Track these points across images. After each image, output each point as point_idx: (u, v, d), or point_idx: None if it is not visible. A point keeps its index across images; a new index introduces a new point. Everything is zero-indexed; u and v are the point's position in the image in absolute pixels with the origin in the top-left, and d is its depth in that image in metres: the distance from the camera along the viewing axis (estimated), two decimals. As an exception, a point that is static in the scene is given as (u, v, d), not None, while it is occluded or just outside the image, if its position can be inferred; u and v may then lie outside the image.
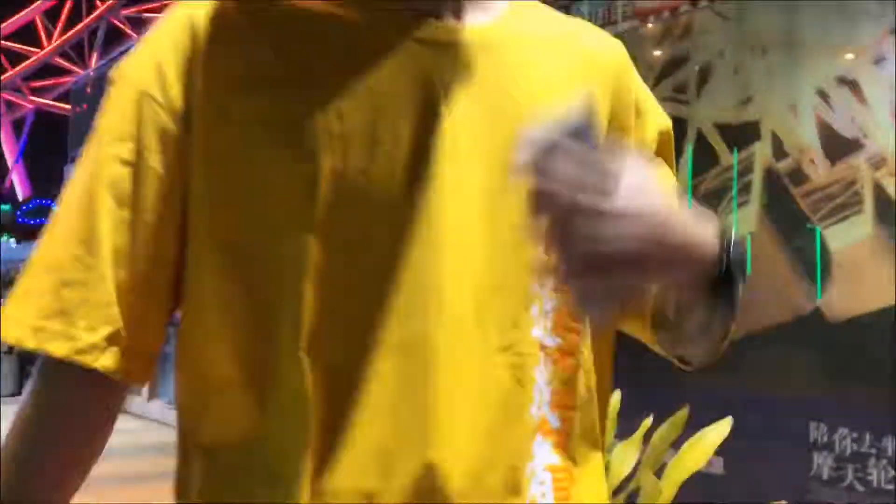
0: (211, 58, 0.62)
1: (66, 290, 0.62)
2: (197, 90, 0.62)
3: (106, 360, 0.62)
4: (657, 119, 0.75)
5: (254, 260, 0.61)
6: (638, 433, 2.17)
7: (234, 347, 0.60)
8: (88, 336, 0.61)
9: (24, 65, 31.47)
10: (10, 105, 32.32)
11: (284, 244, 0.60)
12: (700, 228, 0.56)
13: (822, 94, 3.29)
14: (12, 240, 20.74)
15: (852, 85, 3.21)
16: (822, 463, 3.18)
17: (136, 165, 0.63)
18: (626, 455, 2.04)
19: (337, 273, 0.59)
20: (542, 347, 0.64)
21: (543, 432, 0.64)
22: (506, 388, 0.61)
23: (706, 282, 0.58)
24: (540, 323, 0.64)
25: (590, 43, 0.73)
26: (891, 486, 2.98)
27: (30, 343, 0.62)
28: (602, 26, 4.16)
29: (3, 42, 30.19)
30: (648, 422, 2.20)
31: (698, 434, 2.14)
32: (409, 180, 0.60)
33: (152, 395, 8.45)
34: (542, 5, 0.75)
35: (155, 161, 0.63)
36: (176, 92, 0.63)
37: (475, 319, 0.60)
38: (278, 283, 0.59)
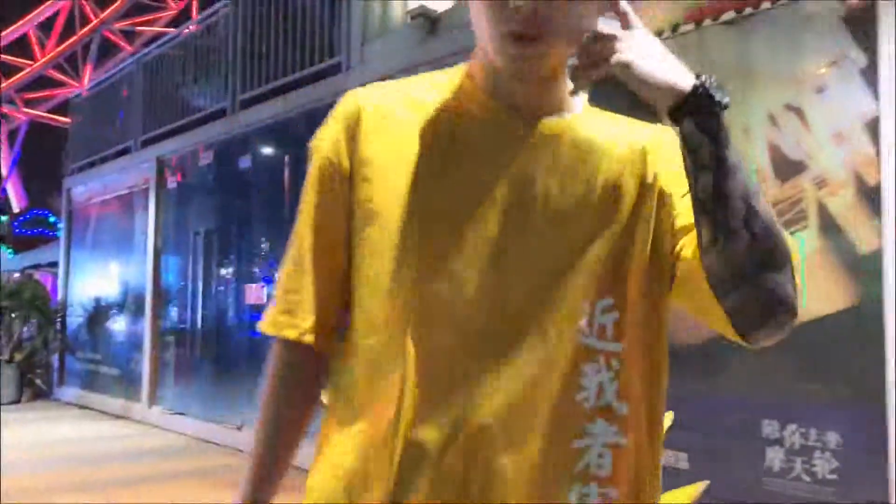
0: (367, 137, 0.88)
1: (290, 295, 0.93)
2: (356, 161, 0.88)
3: (312, 339, 0.92)
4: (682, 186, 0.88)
5: (373, 279, 0.87)
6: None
7: (374, 322, 0.87)
8: (303, 324, 0.92)
9: (17, 77, 31.47)
10: (4, 116, 32.26)
11: (387, 273, 0.85)
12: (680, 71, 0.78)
13: (772, 120, 3.55)
14: (9, 251, 20.74)
15: (798, 112, 3.46)
16: (774, 457, 3.43)
17: (324, 212, 0.91)
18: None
19: (426, 294, 0.83)
20: (595, 351, 0.84)
21: (606, 417, 0.83)
22: (552, 380, 0.82)
23: (686, 108, 0.77)
24: (594, 334, 0.84)
25: (641, 136, 0.92)
26: (834, 477, 3.24)
27: (271, 331, 0.94)
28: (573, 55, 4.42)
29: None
30: None
31: None
32: (498, 233, 0.83)
33: (152, 402, 8.52)
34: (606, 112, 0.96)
35: (334, 209, 0.90)
36: (346, 161, 0.89)
37: (536, 327, 0.82)
38: (382, 294, 0.85)
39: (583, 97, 0.92)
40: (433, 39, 5.40)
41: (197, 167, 8.15)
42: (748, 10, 3.67)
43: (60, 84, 33.83)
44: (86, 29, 32.55)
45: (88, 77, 32.27)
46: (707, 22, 3.83)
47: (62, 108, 34.13)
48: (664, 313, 0.90)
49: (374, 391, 0.85)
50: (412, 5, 5.46)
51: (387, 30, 5.92)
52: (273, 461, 0.98)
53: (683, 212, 0.86)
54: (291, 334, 0.92)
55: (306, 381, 0.96)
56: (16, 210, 27.00)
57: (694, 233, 0.82)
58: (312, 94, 6.46)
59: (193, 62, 8.45)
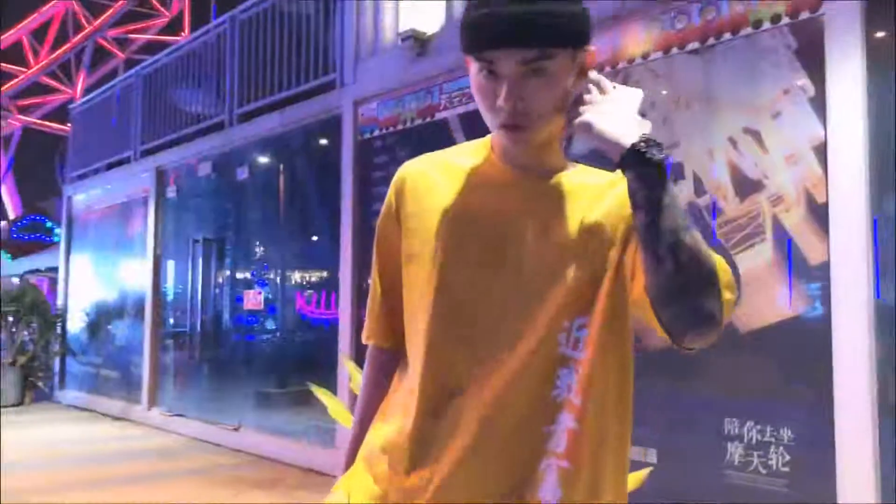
0: (409, 193, 1.18)
1: (369, 315, 1.28)
2: (402, 216, 1.18)
3: (388, 343, 1.27)
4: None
5: (415, 302, 1.14)
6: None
7: (416, 334, 1.14)
8: (373, 333, 1.28)
9: (11, 83, 31.44)
10: (-4, 123, 32.19)
11: (423, 298, 1.12)
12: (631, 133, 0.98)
13: (732, 142, 3.83)
14: (7, 256, 20.76)
15: (755, 135, 3.75)
16: (734, 451, 3.71)
17: (384, 257, 1.23)
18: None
19: (444, 314, 1.10)
20: (566, 360, 1.05)
21: (570, 410, 1.04)
22: (532, 378, 1.05)
23: (631, 161, 0.97)
24: (568, 343, 1.05)
25: (613, 185, 1.12)
26: (787, 469, 3.53)
27: (363, 339, 1.30)
28: None
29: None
30: None
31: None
32: (493, 263, 1.08)
33: (152, 404, 8.67)
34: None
35: (389, 255, 1.21)
36: (395, 218, 1.20)
37: (526, 340, 1.05)
38: (421, 313, 1.12)
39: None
40: (423, 60, 5.68)
41: (195, 177, 8.40)
42: (711, 41, 3.97)
43: (54, 90, 33.85)
44: (79, 36, 32.54)
45: (82, 84, 32.32)
46: (674, 51, 4.13)
47: (55, 115, 34.16)
48: (627, 325, 1.10)
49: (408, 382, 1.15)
50: (403, 27, 5.74)
51: (379, 50, 6.20)
52: (361, 431, 1.25)
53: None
54: (368, 340, 1.29)
55: (381, 369, 1.28)
56: (11, 215, 26.98)
57: None
58: (308, 109, 6.74)
59: (192, 76, 8.69)
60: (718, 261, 1.01)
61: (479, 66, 1.06)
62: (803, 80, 3.61)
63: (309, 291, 6.84)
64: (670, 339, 1.03)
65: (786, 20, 3.69)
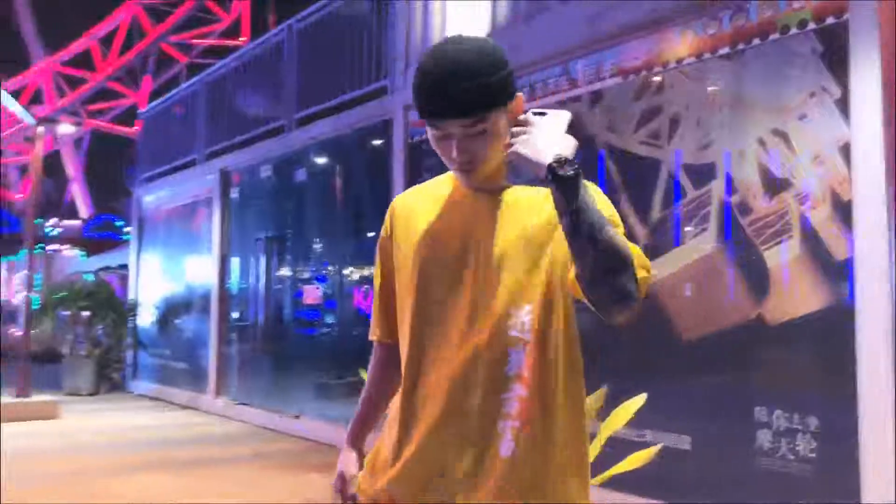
0: (398, 218, 1.48)
1: (373, 313, 1.55)
2: (394, 236, 1.47)
3: (385, 338, 1.53)
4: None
5: (403, 302, 1.43)
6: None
7: (404, 328, 1.43)
8: (374, 331, 1.55)
9: (81, 89, 32.57)
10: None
11: (408, 298, 1.41)
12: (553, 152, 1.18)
13: (762, 143, 4.01)
14: (82, 253, 21.81)
15: (783, 136, 3.92)
16: (763, 438, 3.89)
17: (381, 269, 1.52)
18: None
19: (422, 310, 1.38)
20: (516, 341, 1.31)
21: (520, 382, 1.29)
22: (489, 358, 1.31)
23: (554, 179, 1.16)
24: (516, 328, 1.31)
25: (545, 195, 1.30)
26: (813, 455, 3.70)
27: (369, 337, 1.58)
28: (590, 82, 4.90)
29: (62, 68, 31.52)
30: (594, 399, 2.93)
31: (621, 406, 2.89)
32: (457, 267, 1.36)
33: (218, 393, 9.15)
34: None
35: (386, 267, 1.50)
36: (388, 238, 1.49)
37: (485, 326, 1.32)
38: (406, 310, 1.41)
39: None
40: (469, 65, 5.95)
41: (257, 179, 8.86)
42: (741, 46, 4.15)
43: (121, 95, 35.03)
44: (143, 42, 33.60)
45: (147, 88, 33.41)
46: (706, 55, 4.32)
47: (122, 118, 35.32)
48: (568, 310, 1.34)
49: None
50: (450, 34, 6.02)
51: (428, 56, 6.49)
52: (360, 415, 1.58)
53: None
54: (372, 337, 1.57)
55: (382, 363, 1.57)
56: (84, 215, 28.16)
57: None
58: (360, 114, 7.09)
59: (253, 82, 9.15)
60: (633, 247, 1.21)
61: (432, 129, 1.33)
62: (829, 83, 3.76)
63: (365, 287, 7.13)
64: (601, 315, 1.24)
65: (812, 25, 3.84)
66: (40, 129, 9.08)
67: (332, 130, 7.46)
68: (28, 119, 9.53)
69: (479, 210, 1.39)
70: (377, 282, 1.54)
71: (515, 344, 1.32)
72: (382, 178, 6.73)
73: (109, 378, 11.28)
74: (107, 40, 34.05)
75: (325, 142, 7.71)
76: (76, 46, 34.46)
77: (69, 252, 23.30)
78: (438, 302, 1.37)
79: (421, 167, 6.34)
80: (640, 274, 1.21)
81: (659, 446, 2.92)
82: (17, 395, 8.44)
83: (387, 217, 1.51)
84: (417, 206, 1.47)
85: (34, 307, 10.56)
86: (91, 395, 10.44)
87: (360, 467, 1.51)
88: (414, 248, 1.41)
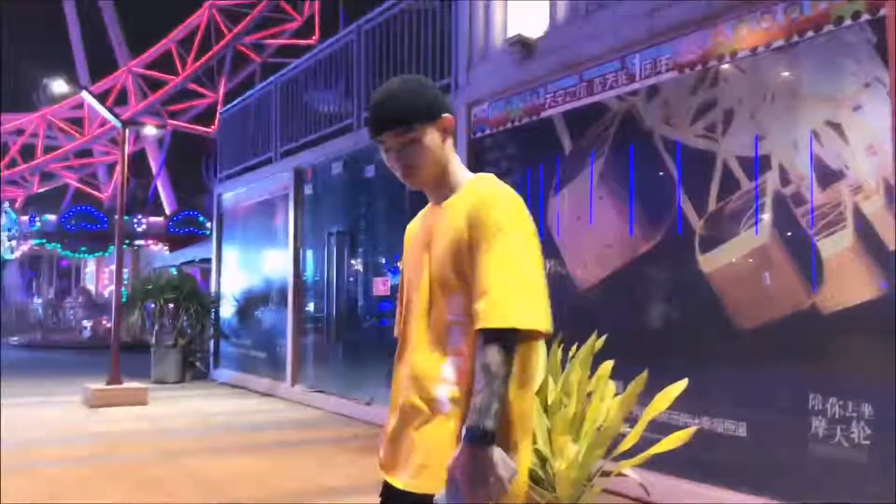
0: (407, 238, 1.86)
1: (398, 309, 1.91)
2: (407, 242, 1.86)
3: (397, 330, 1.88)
4: (479, 229, 1.57)
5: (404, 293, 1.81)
6: (628, 393, 3.07)
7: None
8: (398, 322, 1.85)
9: (162, 90, 33.77)
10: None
11: (407, 291, 1.78)
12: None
13: (816, 134, 4.06)
14: (166, 247, 22.83)
15: (837, 127, 3.97)
16: (818, 425, 3.96)
17: (402, 269, 1.88)
18: (619, 406, 2.99)
19: (404, 300, 1.77)
20: (454, 323, 1.59)
21: (455, 353, 1.58)
22: (434, 335, 1.62)
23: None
24: (454, 311, 1.59)
25: (469, 200, 1.62)
26: (867, 442, 3.75)
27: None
28: (648, 77, 5.01)
29: (144, 71, 32.86)
30: (636, 384, 3.10)
31: (664, 390, 3.04)
32: (420, 266, 1.69)
33: (295, 381, 9.57)
34: (480, 177, 1.70)
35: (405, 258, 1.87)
36: (404, 248, 1.87)
37: (428, 312, 1.65)
38: (405, 299, 1.78)
39: (467, 180, 1.71)
40: (528, 62, 6.12)
41: (329, 175, 9.22)
42: (795, 39, 4.20)
43: (200, 95, 36.22)
44: (220, 43, 34.64)
45: (223, 88, 34.50)
46: (760, 49, 4.38)
47: (201, 118, 36.49)
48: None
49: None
50: (510, 33, 6.21)
51: (489, 54, 6.69)
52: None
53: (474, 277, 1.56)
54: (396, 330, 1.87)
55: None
56: (168, 212, 29.38)
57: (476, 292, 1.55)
58: (426, 111, 7.32)
59: (324, 82, 9.50)
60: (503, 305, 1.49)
61: (379, 147, 1.69)
62: (883, 73, 3.79)
63: None
64: None
65: (865, 16, 3.87)
66: (126, 131, 9.54)
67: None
68: (114, 121, 10.01)
69: (433, 216, 1.73)
70: (401, 284, 1.87)
71: (455, 324, 1.59)
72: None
73: (193, 367, 11.87)
74: (185, 43, 35.20)
75: (392, 139, 7.96)
76: (156, 50, 35.75)
77: (155, 247, 24.47)
78: (411, 295, 1.72)
79: (484, 161, 6.55)
80: (494, 324, 1.48)
81: (695, 428, 3.06)
82: (109, 383, 8.93)
83: (407, 233, 1.89)
84: (412, 229, 1.84)
85: (123, 301, 11.12)
86: (176, 383, 11.01)
87: None
88: (405, 255, 1.83)
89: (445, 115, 1.66)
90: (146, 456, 6.07)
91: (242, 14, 34.75)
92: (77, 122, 34.73)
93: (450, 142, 1.69)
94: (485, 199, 1.59)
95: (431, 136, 1.64)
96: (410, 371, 1.63)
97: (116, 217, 10.39)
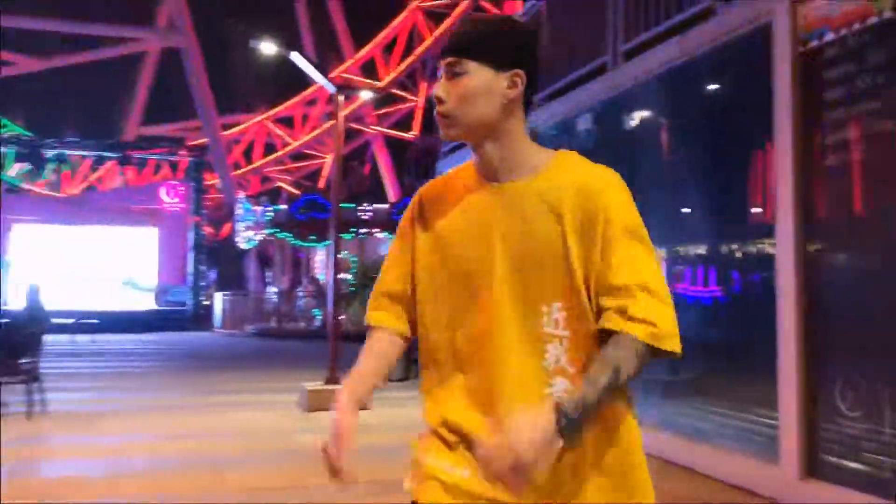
0: (420, 207, 1.61)
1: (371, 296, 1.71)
2: (417, 223, 1.61)
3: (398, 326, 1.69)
4: (622, 222, 1.43)
5: (420, 285, 1.59)
6: None
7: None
8: (379, 310, 1.72)
9: (366, 99, 34.66)
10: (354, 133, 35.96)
11: (457, 288, 1.53)
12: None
13: None
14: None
15: None
16: None
17: (401, 243, 1.64)
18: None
19: (461, 313, 1.53)
20: (553, 336, 1.44)
21: (562, 375, 1.44)
22: (528, 353, 1.45)
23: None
24: (551, 325, 1.44)
25: (577, 179, 1.45)
26: None
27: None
28: None
29: (350, 78, 33.58)
30: None
31: None
32: (477, 258, 1.48)
33: None
34: (569, 156, 1.50)
35: (406, 240, 1.63)
36: (415, 218, 1.61)
37: (515, 322, 1.45)
38: (439, 314, 1.56)
39: (547, 158, 1.50)
40: None
41: (574, 135, 7.56)
42: None
43: (402, 100, 36.76)
44: (420, 49, 34.91)
45: (425, 92, 34.62)
46: None
47: (403, 123, 37.11)
48: (592, 308, 1.44)
49: (435, 362, 1.57)
50: None
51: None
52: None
53: (604, 270, 1.41)
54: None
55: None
56: (392, 199, 31.29)
57: (604, 296, 1.42)
58: (720, 25, 5.48)
59: (560, 29, 7.97)
60: (658, 315, 1.39)
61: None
62: None
63: (679, 266, 5.82)
64: None
65: None
66: (340, 98, 8.93)
67: (676, 57, 5.91)
68: (327, 85, 9.45)
69: (500, 199, 1.49)
70: (387, 263, 1.66)
71: (552, 340, 1.45)
72: (754, 110, 5.09)
73: (416, 363, 10.85)
74: (388, 49, 35.87)
75: (660, 76, 6.19)
76: (362, 57, 36.83)
77: (380, 235, 24.95)
78: (473, 305, 1.51)
79: (822, 83, 4.58)
80: (667, 347, 1.38)
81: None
82: (327, 382, 8.32)
83: (412, 204, 1.63)
84: (441, 195, 1.59)
85: (352, 290, 11.12)
86: (400, 380, 10.20)
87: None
88: (436, 241, 1.57)
89: (519, 71, 1.44)
90: (377, 450, 4.97)
91: (444, 15, 35.23)
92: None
93: (520, 109, 1.48)
94: (604, 186, 1.45)
95: (489, 83, 1.43)
96: (497, 386, 1.47)
97: (334, 204, 9.82)
